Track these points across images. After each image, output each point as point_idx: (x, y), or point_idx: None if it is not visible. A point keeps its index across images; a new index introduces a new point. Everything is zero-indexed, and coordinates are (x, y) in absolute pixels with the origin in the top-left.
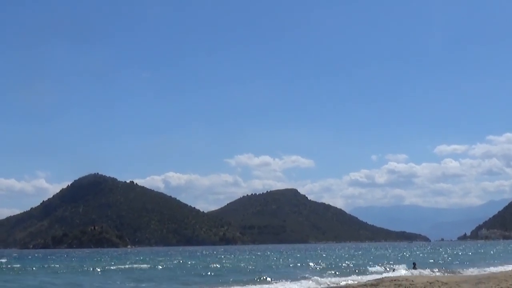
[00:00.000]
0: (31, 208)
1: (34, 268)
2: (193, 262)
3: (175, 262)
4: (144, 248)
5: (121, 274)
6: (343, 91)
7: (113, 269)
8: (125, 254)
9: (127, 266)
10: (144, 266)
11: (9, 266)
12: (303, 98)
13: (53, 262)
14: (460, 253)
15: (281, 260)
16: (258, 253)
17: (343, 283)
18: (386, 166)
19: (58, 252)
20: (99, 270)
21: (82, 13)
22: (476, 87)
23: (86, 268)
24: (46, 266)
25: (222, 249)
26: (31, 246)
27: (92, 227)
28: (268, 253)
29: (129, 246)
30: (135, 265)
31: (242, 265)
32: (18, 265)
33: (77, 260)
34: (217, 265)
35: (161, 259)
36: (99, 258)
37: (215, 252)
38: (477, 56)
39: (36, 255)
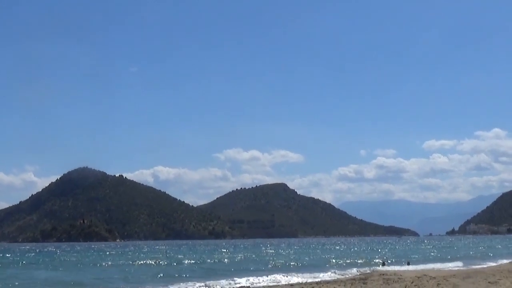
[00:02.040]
0: (20, 202)
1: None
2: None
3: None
4: (134, 242)
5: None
6: (332, 86)
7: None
8: (139, 248)
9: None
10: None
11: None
12: (292, 93)
13: (80, 256)
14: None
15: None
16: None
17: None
18: (375, 161)
19: (56, 246)
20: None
21: (72, 9)
22: (465, 83)
23: (123, 262)
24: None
25: (224, 243)
26: (20, 240)
27: (81, 221)
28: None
29: (118, 240)
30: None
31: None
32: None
33: (97, 254)
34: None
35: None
36: (118, 251)
37: (221, 248)
38: (466, 52)
39: (39, 250)
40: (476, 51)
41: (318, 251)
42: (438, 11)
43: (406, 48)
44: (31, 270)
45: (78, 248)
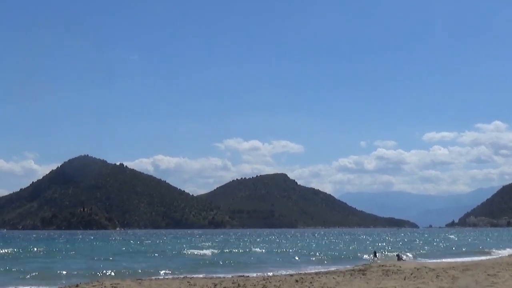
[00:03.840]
0: (21, 189)
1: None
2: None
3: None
4: (134, 230)
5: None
6: (333, 76)
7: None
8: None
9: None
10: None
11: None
12: (293, 83)
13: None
14: None
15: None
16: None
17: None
18: (375, 152)
19: (71, 234)
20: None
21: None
22: (465, 75)
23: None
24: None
25: (234, 233)
26: (20, 227)
27: (81, 209)
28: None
29: (118, 228)
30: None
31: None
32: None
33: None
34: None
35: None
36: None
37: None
38: (467, 44)
39: (60, 239)
40: (476, 43)
41: (367, 241)
42: (438, 4)
43: (407, 40)
44: (92, 260)
45: (92, 237)
